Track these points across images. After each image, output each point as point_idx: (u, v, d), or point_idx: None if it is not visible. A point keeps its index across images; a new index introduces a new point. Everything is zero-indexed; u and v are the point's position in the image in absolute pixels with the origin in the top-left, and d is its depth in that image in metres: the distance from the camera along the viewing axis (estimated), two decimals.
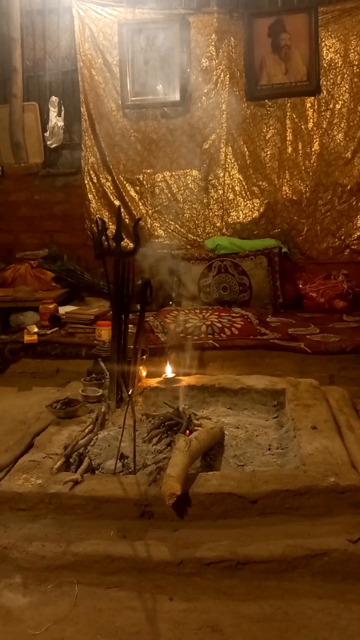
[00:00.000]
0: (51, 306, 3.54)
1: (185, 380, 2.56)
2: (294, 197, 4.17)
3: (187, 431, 1.89)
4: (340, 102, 4.01)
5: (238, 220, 4.27)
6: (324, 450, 1.76)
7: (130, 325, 2.47)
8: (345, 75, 3.97)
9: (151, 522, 1.55)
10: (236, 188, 4.25)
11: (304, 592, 1.36)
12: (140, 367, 2.49)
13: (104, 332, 3.06)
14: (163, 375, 2.57)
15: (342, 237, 4.16)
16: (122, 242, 2.49)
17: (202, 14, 4.04)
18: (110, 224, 4.12)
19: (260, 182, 4.22)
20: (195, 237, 4.32)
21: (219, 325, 3.28)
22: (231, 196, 4.26)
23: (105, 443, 1.95)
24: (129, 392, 1.98)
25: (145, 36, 4.08)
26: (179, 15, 4.02)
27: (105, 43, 4.14)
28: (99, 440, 1.97)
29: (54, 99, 4.22)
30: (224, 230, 4.28)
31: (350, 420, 2.14)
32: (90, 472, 1.79)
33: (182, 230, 4.33)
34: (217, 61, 4.10)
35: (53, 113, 4.21)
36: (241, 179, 4.24)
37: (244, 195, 4.25)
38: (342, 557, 1.40)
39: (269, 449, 1.97)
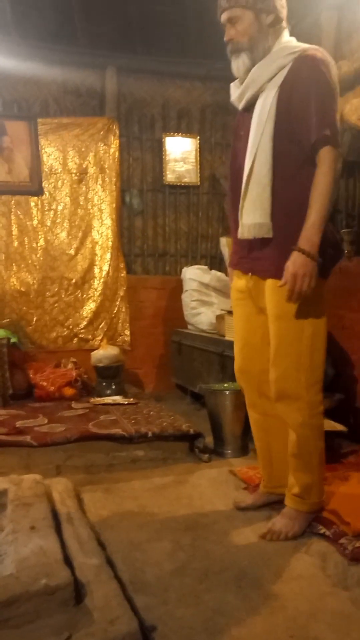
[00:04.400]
0: None
1: None
2: (22, 289, 4.28)
3: None
4: (62, 204, 4.35)
5: None
6: (39, 551, 1.77)
7: None
8: (65, 181, 4.34)
9: None
10: None
11: None
12: None
13: None
14: None
15: (71, 327, 4.39)
16: None
17: None
18: None
19: None
20: None
21: None
22: None
23: None
24: None
25: None
26: None
27: None
28: None
29: None
30: None
31: (70, 513, 2.20)
32: None
33: None
34: None
35: None
36: None
37: None
38: None
39: None
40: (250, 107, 2.01)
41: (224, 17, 1.98)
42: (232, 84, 2.10)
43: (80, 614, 1.54)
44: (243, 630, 1.53)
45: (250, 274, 2.10)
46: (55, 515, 2.15)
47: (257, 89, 1.97)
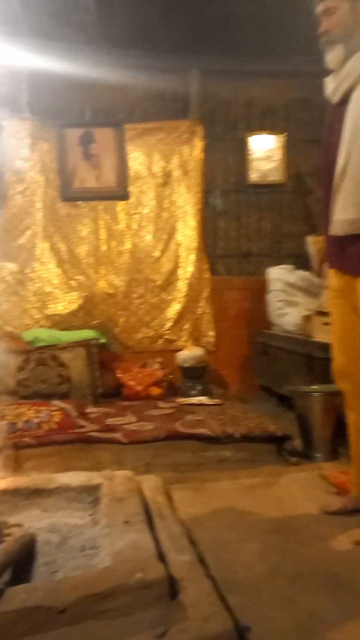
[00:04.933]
0: None
1: None
2: (110, 291, 4.41)
3: None
4: (147, 207, 4.44)
5: (57, 312, 4.36)
6: (133, 545, 1.82)
7: None
8: (151, 185, 4.43)
9: None
10: (54, 281, 4.37)
11: None
12: None
13: None
14: None
15: (156, 328, 4.47)
16: None
17: (16, 120, 4.25)
18: None
19: (78, 276, 4.39)
20: (13, 329, 4.29)
21: (37, 420, 3.24)
22: (49, 289, 4.36)
23: None
24: None
25: None
26: None
27: None
28: None
29: None
30: (42, 322, 4.32)
31: (161, 509, 2.24)
32: None
33: None
34: (31, 163, 4.31)
35: None
36: (59, 273, 4.38)
37: (62, 288, 4.38)
38: None
39: (83, 551, 1.96)
40: (345, 100, 1.95)
41: (319, 8, 1.95)
42: (326, 78, 2.05)
43: (174, 610, 1.57)
44: (339, 635, 1.49)
45: (342, 271, 2.04)
46: (146, 511, 2.20)
47: (352, 82, 1.91)
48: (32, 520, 2.21)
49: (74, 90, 4.38)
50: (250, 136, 4.61)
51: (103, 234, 4.41)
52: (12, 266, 4.32)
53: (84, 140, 4.34)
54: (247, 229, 4.74)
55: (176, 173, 4.47)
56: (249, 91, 4.65)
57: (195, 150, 4.49)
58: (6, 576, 1.74)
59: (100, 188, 4.36)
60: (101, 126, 4.37)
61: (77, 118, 4.41)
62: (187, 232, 4.52)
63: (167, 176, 4.46)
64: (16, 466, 2.77)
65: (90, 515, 2.30)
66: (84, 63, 4.18)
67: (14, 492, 2.38)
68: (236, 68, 4.56)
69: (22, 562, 1.85)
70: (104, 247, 4.41)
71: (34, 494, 2.39)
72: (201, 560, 1.85)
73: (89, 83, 4.33)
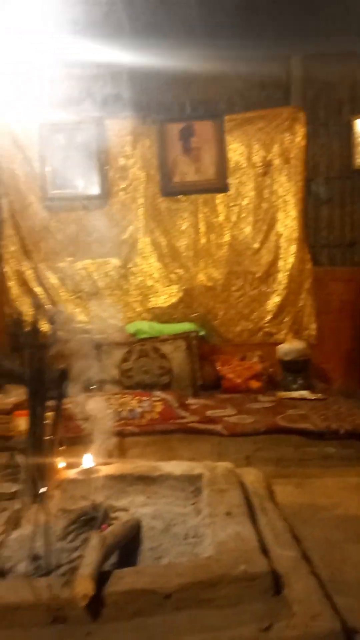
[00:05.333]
0: None
1: (105, 470, 2.54)
2: (209, 284, 4.42)
3: (103, 525, 1.88)
4: (247, 198, 4.39)
5: (157, 305, 4.44)
6: (236, 537, 1.80)
7: (50, 414, 2.46)
8: (250, 175, 4.37)
9: (63, 627, 1.50)
10: (155, 275, 4.45)
11: None
12: (58, 459, 2.46)
13: (22, 423, 3.01)
14: (82, 466, 2.54)
15: (255, 320, 4.41)
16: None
17: (118, 118, 4.36)
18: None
19: (178, 270, 4.44)
20: (116, 322, 4.42)
21: (140, 410, 3.32)
22: (150, 283, 4.45)
23: (18, 544, 1.89)
24: (45, 487, 1.95)
25: (64, 135, 4.34)
26: (96, 118, 4.32)
27: (26, 141, 4.35)
28: (11, 541, 1.91)
29: None
30: (144, 315, 4.42)
31: (263, 503, 2.21)
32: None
33: (103, 315, 4.43)
34: (133, 160, 4.41)
35: None
36: (159, 266, 4.45)
37: (163, 281, 4.45)
38: None
39: (186, 539, 1.98)
40: None
41: None
42: None
43: (280, 605, 1.54)
44: None
45: None
46: (247, 503, 2.18)
47: None
48: (137, 506, 2.27)
49: (174, 84, 4.41)
50: (355, 119, 4.40)
51: (202, 227, 4.42)
52: (115, 261, 4.46)
53: (184, 134, 4.36)
54: (352, 217, 4.53)
55: (277, 162, 4.37)
56: (354, 73, 4.43)
57: (297, 137, 4.36)
58: (114, 558, 1.80)
59: (200, 181, 4.37)
60: (201, 119, 4.37)
61: (177, 112, 4.44)
62: (288, 222, 4.41)
63: (267, 166, 4.37)
64: (121, 453, 2.86)
65: (193, 504, 2.32)
66: (183, 57, 4.19)
67: (119, 478, 2.47)
68: (340, 50, 4.35)
69: (129, 546, 1.91)
70: (203, 240, 4.42)
71: (139, 480, 2.46)
72: (306, 558, 1.80)
73: (188, 76, 4.34)
